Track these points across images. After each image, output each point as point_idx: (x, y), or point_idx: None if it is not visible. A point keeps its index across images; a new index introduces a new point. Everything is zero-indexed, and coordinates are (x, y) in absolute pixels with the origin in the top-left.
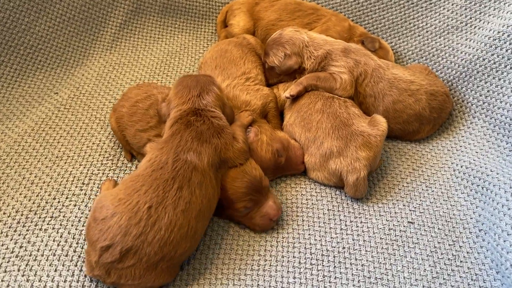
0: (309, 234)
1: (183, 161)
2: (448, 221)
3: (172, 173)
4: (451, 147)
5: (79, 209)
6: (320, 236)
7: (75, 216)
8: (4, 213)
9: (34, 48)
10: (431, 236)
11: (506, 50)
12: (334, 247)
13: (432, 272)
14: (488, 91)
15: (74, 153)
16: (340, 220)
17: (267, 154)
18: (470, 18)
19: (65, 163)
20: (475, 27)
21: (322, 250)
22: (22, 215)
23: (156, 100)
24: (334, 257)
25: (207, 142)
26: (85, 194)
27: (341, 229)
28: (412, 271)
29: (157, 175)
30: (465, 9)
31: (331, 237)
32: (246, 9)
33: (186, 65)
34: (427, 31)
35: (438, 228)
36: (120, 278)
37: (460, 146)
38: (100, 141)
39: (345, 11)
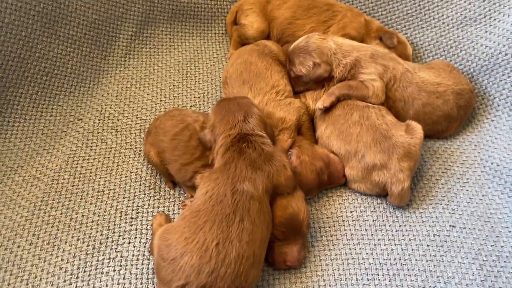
0: (360, 248)
1: (241, 192)
2: (487, 221)
3: (233, 206)
4: (478, 141)
5: (134, 246)
6: (370, 249)
7: (133, 255)
8: (62, 260)
9: (50, 75)
10: (473, 238)
11: None
12: (386, 259)
13: (480, 275)
14: (511, 85)
15: (115, 185)
16: (387, 230)
17: (311, 175)
18: (489, 10)
19: (108, 197)
20: (494, 19)
21: (375, 264)
22: (80, 259)
23: (195, 130)
24: (387, 269)
25: (260, 170)
26: (136, 230)
27: (389, 239)
28: (461, 276)
29: (218, 209)
30: (483, 0)
31: (381, 249)
32: (259, 9)
33: (203, 72)
34: (443, 23)
35: (479, 229)
36: None
37: (487, 141)
38: (137, 168)
39: (357, 2)
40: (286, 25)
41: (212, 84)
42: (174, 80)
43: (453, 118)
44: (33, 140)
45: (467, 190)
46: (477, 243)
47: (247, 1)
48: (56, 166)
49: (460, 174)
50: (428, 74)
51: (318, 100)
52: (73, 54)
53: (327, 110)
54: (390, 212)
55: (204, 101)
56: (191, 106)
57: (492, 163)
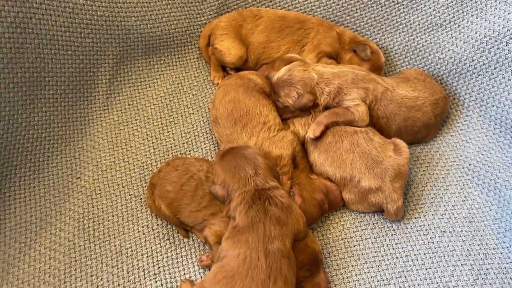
0: (367, 268)
1: (273, 254)
2: (471, 221)
3: (267, 270)
4: (454, 142)
5: None
6: (376, 266)
7: None
8: None
9: (39, 139)
10: (462, 240)
11: (494, 54)
12: (391, 273)
13: (472, 275)
14: (479, 88)
15: (130, 243)
16: (387, 245)
17: (314, 209)
18: (453, 16)
19: (127, 256)
20: (459, 25)
21: (383, 280)
22: None
23: (200, 179)
24: (394, 284)
25: (286, 225)
26: (162, 285)
27: (391, 254)
28: (457, 279)
29: (253, 275)
30: (447, 7)
31: (386, 264)
32: (233, 33)
33: (187, 105)
34: (410, 28)
35: (466, 231)
36: None
37: (462, 141)
38: (147, 221)
39: (327, 13)
40: (262, 49)
41: (199, 116)
42: (160, 118)
43: (431, 125)
44: (38, 209)
45: (451, 193)
46: (466, 244)
47: (219, 25)
48: (68, 234)
49: (442, 178)
50: (406, 89)
51: (307, 125)
52: (57, 112)
53: (318, 138)
54: (388, 226)
55: (194, 135)
56: (183, 143)
57: (469, 164)
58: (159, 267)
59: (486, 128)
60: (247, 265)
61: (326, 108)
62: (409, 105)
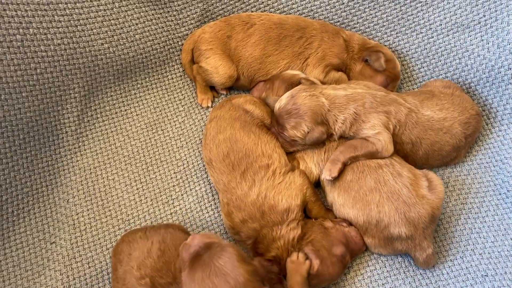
0: None
1: None
2: None
3: None
4: (487, 163)
5: None
6: None
7: None
8: None
9: (1, 202)
10: (507, 285)
11: None
12: None
13: None
14: None
15: None
16: None
17: (334, 268)
18: (483, 16)
19: None
20: (491, 27)
21: None
22: None
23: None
24: None
25: None
26: None
27: None
28: None
29: None
30: (476, 5)
31: None
32: (220, 48)
33: (174, 136)
34: (430, 28)
35: (510, 273)
36: None
37: (497, 161)
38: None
39: (327, 13)
40: (257, 65)
41: (189, 149)
42: (144, 156)
43: (461, 147)
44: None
45: (489, 227)
46: None
47: (203, 38)
48: None
49: (477, 207)
50: (432, 109)
51: (320, 162)
52: (18, 166)
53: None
54: (421, 273)
55: (186, 175)
56: (173, 185)
57: (508, 190)
58: None
59: None
60: None
61: (342, 137)
62: (436, 128)
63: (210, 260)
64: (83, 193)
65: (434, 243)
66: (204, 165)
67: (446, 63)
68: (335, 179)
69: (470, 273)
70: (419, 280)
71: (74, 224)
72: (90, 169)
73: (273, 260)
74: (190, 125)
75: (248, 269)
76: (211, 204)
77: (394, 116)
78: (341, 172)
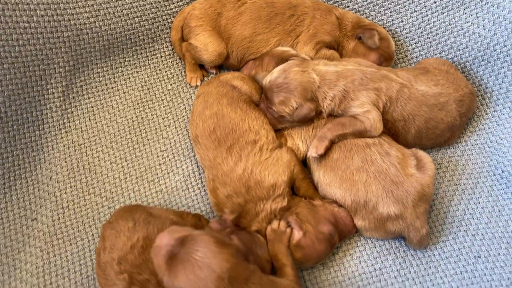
0: None
1: None
2: (509, 242)
3: None
4: (482, 144)
5: None
6: None
7: None
8: None
9: None
10: (500, 266)
11: None
12: None
13: None
14: None
15: None
16: (413, 278)
17: (320, 245)
18: None
19: None
20: (487, 3)
21: None
22: None
23: None
24: None
25: None
26: None
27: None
28: None
29: None
30: None
31: None
32: (210, 25)
33: (161, 115)
34: (425, 6)
35: (504, 254)
36: None
37: (492, 142)
38: None
39: None
40: (247, 43)
41: (177, 128)
42: (130, 134)
43: (456, 126)
44: None
45: (482, 208)
46: (506, 271)
47: (193, 15)
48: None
49: (471, 188)
50: (427, 84)
51: (308, 139)
52: (0, 140)
53: (322, 155)
54: (411, 255)
55: (173, 153)
56: (159, 164)
57: (502, 171)
58: None
59: None
60: None
61: (331, 115)
62: (431, 104)
63: (187, 255)
64: (67, 170)
65: (428, 220)
66: (191, 144)
67: (441, 42)
68: (322, 157)
69: (462, 254)
70: (409, 261)
71: (56, 201)
72: (74, 146)
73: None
74: (178, 104)
75: (230, 252)
76: (197, 183)
77: (385, 93)
78: (328, 150)
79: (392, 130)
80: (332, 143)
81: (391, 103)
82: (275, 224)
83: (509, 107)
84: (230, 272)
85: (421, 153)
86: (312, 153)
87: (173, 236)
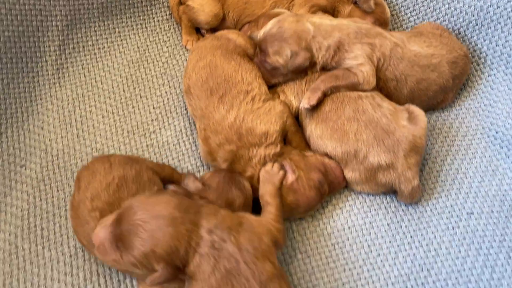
0: (381, 261)
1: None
2: (503, 200)
3: None
4: (476, 107)
5: None
6: (392, 259)
7: None
8: None
9: None
10: (494, 223)
11: None
12: (410, 267)
13: (509, 264)
14: (506, 41)
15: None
16: (404, 232)
17: (310, 191)
18: None
19: (85, 260)
20: None
21: (401, 275)
22: None
23: None
24: (415, 279)
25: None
26: None
27: (409, 243)
28: (492, 269)
29: None
30: None
31: (403, 256)
32: None
33: (155, 74)
34: None
35: (497, 211)
36: None
37: (486, 105)
38: None
39: None
40: (242, 5)
41: (170, 87)
42: (124, 91)
43: (449, 89)
44: None
45: (476, 168)
46: (499, 227)
47: None
48: (9, 235)
49: (464, 149)
50: (419, 45)
51: (301, 94)
52: None
53: (314, 107)
54: (403, 210)
55: (166, 110)
56: (152, 120)
57: (496, 132)
58: (125, 276)
59: None
60: None
61: (324, 69)
62: (423, 64)
63: (130, 225)
64: (59, 122)
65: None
66: (184, 103)
67: (436, 9)
68: (314, 111)
69: (455, 211)
70: (400, 216)
71: (46, 150)
72: (68, 100)
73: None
74: (173, 65)
75: (167, 195)
76: (188, 139)
77: (379, 49)
78: (320, 103)
79: (384, 91)
80: (324, 95)
81: (384, 61)
82: (269, 165)
83: (503, 71)
84: (177, 209)
85: (413, 107)
86: (305, 104)
87: (106, 224)
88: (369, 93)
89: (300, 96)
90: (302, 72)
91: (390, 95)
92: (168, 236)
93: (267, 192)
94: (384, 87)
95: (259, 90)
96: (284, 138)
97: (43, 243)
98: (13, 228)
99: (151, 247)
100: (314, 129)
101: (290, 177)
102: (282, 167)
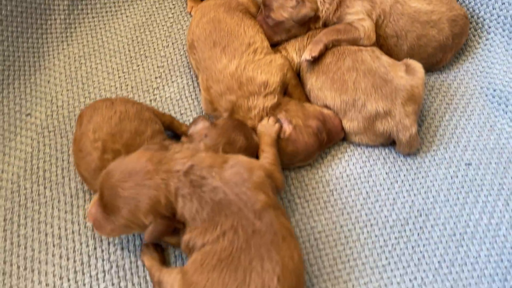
0: (379, 206)
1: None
2: (501, 153)
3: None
4: (474, 69)
5: (129, 251)
6: (391, 205)
7: (130, 262)
8: (47, 285)
9: None
10: (492, 173)
11: None
12: (409, 212)
13: (507, 210)
14: (502, 3)
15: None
16: (402, 180)
17: (309, 138)
18: None
19: (85, 201)
20: None
21: (400, 220)
22: (68, 280)
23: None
24: (413, 223)
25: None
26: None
27: (407, 190)
28: (490, 216)
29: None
30: None
31: (402, 202)
32: None
33: (160, 37)
34: None
35: (495, 163)
36: None
37: (483, 67)
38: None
39: None
40: None
41: (174, 49)
42: (129, 51)
43: (448, 47)
44: None
45: (474, 123)
46: (497, 177)
47: None
48: (12, 175)
49: (463, 107)
50: (419, 2)
51: (302, 50)
52: (2, 37)
53: (315, 60)
54: (401, 160)
55: (169, 69)
56: (155, 77)
57: (494, 90)
58: None
59: (511, 48)
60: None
61: (325, 25)
62: (423, 20)
63: (112, 190)
64: (65, 77)
65: (419, 132)
66: (188, 63)
67: None
68: (314, 64)
69: (453, 162)
70: (399, 166)
71: (51, 101)
72: (74, 58)
73: None
74: (177, 29)
75: (137, 155)
76: (191, 95)
77: (379, 6)
78: (321, 57)
79: (384, 48)
80: (326, 48)
81: (384, 17)
82: (265, 120)
83: (499, 33)
84: (150, 162)
85: (411, 61)
86: (306, 56)
87: (94, 200)
88: (369, 47)
89: (302, 51)
90: (304, 26)
91: (390, 52)
92: (146, 189)
93: (263, 143)
94: (384, 44)
95: (261, 44)
96: (285, 93)
97: (45, 184)
98: (16, 169)
99: (134, 203)
100: (314, 82)
101: (288, 129)
102: (278, 120)
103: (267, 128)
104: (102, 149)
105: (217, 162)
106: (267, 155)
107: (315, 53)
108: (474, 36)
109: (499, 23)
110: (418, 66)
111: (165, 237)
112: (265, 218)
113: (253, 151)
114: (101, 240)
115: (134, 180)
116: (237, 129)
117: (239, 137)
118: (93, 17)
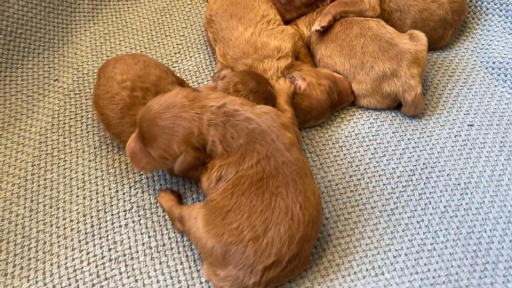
0: (387, 160)
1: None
2: (502, 116)
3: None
4: (474, 47)
5: (149, 194)
6: (398, 159)
7: (150, 203)
8: (71, 221)
9: (14, 34)
10: (493, 133)
11: None
12: (415, 165)
13: (510, 165)
14: None
15: (112, 139)
16: (409, 139)
17: (322, 95)
18: None
19: (108, 151)
20: None
21: (407, 171)
22: (92, 217)
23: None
24: (420, 174)
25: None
26: (147, 178)
27: (413, 147)
28: (492, 169)
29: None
30: None
31: (408, 157)
32: None
33: (179, 19)
34: None
35: (496, 125)
36: (278, 281)
37: (483, 45)
38: None
39: None
40: None
41: (192, 29)
42: (150, 30)
43: (448, 23)
44: (7, 107)
45: (475, 92)
46: (499, 136)
47: None
48: (40, 128)
49: (464, 79)
50: None
51: (312, 24)
52: (36, 10)
53: (325, 31)
54: (407, 122)
55: (187, 46)
56: (174, 53)
57: (493, 63)
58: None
59: (508, 26)
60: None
61: (332, 0)
62: None
63: (150, 121)
64: (91, 50)
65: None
66: (205, 41)
67: None
68: (324, 34)
69: (456, 123)
70: (405, 126)
71: (78, 69)
72: (100, 34)
73: None
74: (195, 14)
75: (174, 92)
76: (208, 67)
77: None
78: (330, 27)
79: (389, 23)
80: (334, 20)
81: None
82: (281, 79)
83: (497, 14)
84: (186, 98)
85: (414, 31)
86: (316, 26)
87: (133, 136)
88: (374, 19)
89: (311, 26)
90: (314, 3)
91: (394, 26)
92: (181, 120)
93: (281, 101)
94: (389, 18)
95: (274, 17)
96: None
97: (70, 136)
98: (44, 123)
99: (170, 132)
100: (324, 51)
101: (302, 85)
102: (292, 79)
103: (283, 86)
104: (131, 88)
105: (247, 103)
106: (287, 113)
107: (325, 23)
108: (473, 18)
109: (496, 4)
110: (421, 34)
111: (190, 171)
112: (293, 152)
113: (271, 103)
114: (123, 184)
115: (171, 112)
116: (251, 74)
117: (252, 80)
118: (118, 0)
